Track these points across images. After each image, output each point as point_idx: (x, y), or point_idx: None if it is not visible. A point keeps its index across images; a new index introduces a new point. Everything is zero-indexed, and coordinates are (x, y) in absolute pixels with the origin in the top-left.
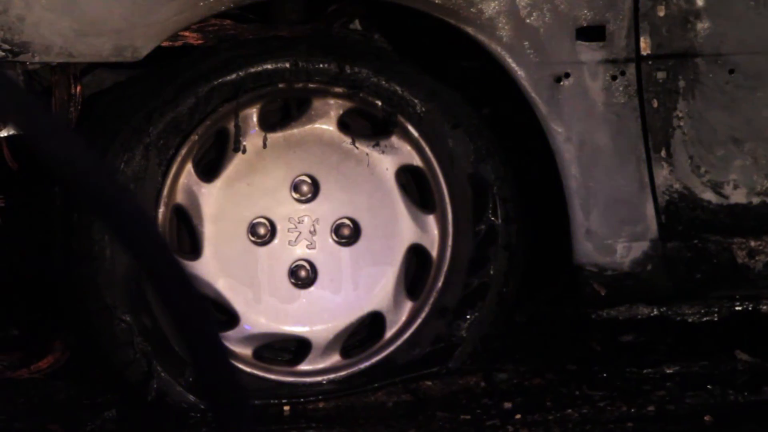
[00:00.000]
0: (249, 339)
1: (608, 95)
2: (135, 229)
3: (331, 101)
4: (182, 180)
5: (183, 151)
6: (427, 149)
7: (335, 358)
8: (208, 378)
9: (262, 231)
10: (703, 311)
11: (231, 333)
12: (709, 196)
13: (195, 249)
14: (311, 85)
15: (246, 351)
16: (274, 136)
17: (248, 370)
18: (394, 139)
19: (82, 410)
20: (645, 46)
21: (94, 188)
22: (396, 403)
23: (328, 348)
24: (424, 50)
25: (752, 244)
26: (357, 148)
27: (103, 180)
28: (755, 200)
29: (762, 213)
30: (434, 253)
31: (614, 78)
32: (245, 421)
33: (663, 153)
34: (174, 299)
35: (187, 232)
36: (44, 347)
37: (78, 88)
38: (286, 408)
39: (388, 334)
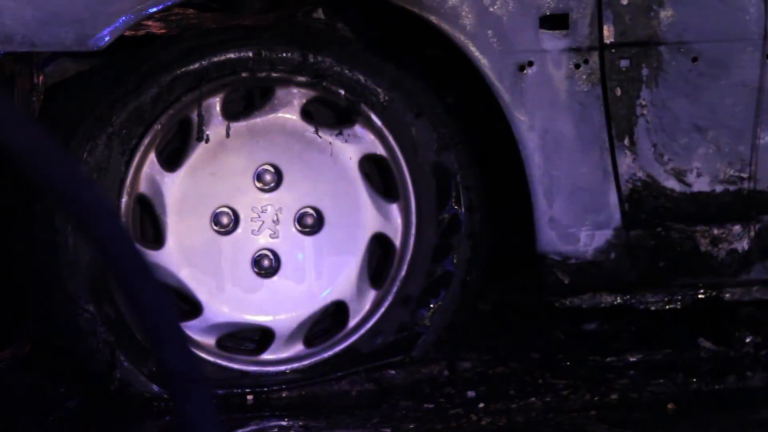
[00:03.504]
0: (212, 328)
1: (571, 84)
2: (97, 219)
3: (294, 90)
4: (145, 169)
5: (146, 141)
6: (391, 138)
7: (299, 348)
8: (170, 367)
9: (225, 220)
10: (666, 299)
11: (194, 322)
12: (672, 184)
13: (158, 238)
14: (274, 74)
15: (209, 340)
16: (237, 126)
17: (211, 359)
18: (358, 128)
19: (45, 400)
20: (608, 34)
21: (56, 178)
22: (359, 392)
23: (291, 337)
24: (388, 39)
25: (715, 232)
26: (320, 137)
27: (64, 170)
28: (718, 188)
29: (725, 201)
30: (397, 241)
31: (577, 66)
32: (207, 410)
33: (626, 141)
34: (135, 289)
35: (150, 222)
36: (6, 337)
37: (41, 78)
38: (250, 397)
39: (352, 323)
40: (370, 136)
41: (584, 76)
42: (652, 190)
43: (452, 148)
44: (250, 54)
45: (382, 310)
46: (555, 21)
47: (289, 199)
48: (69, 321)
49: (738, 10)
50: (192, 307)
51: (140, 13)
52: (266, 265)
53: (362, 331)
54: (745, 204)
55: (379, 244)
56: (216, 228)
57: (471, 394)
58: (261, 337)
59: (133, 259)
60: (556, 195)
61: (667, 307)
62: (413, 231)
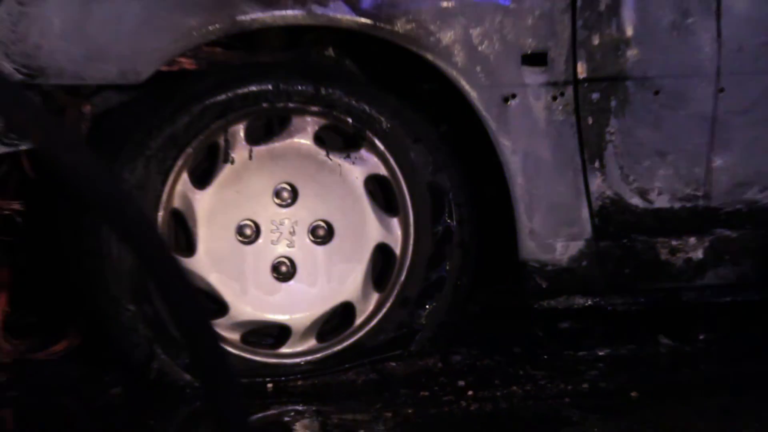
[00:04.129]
0: (237, 325)
1: (549, 113)
2: (138, 230)
3: (308, 119)
4: (179, 187)
5: (179, 162)
6: (392, 160)
7: (312, 342)
8: (201, 359)
9: (248, 232)
10: (630, 301)
11: (222, 320)
12: (636, 201)
13: (190, 248)
14: (291, 105)
15: (234, 336)
16: (258, 149)
17: (236, 352)
18: (363, 152)
19: (93, 387)
20: (581, 70)
21: (102, 195)
22: (365, 381)
23: (305, 333)
24: (389, 73)
25: (673, 243)
26: (330, 159)
27: (109, 188)
28: (676, 205)
29: (682, 216)
30: (398, 251)
31: (554, 98)
32: (233, 396)
33: (596, 164)
34: (171, 291)
35: (183, 233)
36: (59, 333)
37: (88, 108)
38: (270, 385)
39: (358, 321)
40: (374, 159)
41: (560, 107)
42: (619, 206)
43: (445, 170)
44: (270, 87)
45: (384, 310)
46: (535, 59)
47: (304, 213)
48: (113, 319)
49: (695, 50)
50: (219, 307)
51: (174, 51)
52: (284, 271)
53: (367, 328)
54: (700, 219)
55: (382, 252)
56: (240, 238)
57: (461, 383)
58: (279, 333)
59: (170, 264)
60: (535, 210)
61: (632, 308)
62: (411, 242)
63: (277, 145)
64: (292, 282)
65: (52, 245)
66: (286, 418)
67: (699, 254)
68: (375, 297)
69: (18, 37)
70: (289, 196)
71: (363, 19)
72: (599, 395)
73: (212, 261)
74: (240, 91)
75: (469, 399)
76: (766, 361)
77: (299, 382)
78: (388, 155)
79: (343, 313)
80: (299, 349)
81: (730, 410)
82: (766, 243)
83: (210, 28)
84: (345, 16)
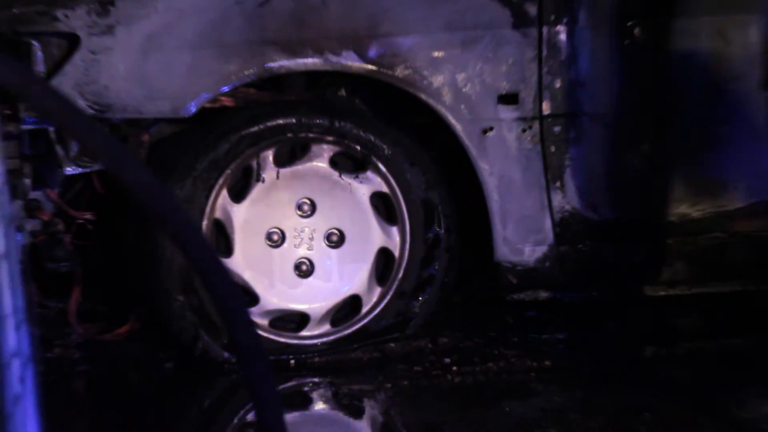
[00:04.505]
0: (266, 313)
1: (519, 143)
2: (187, 236)
3: (325, 146)
4: (219, 201)
5: (220, 181)
6: (392, 180)
7: (326, 327)
8: (238, 340)
9: (275, 237)
10: (584, 295)
11: (254, 309)
12: (589, 214)
13: (228, 250)
14: (310, 135)
15: (264, 322)
16: (284, 171)
17: (265, 335)
18: (369, 173)
19: (149, 363)
20: (546, 108)
21: (159, 207)
22: (369, 359)
23: (321, 320)
24: (390, 109)
25: (619, 248)
26: (342, 179)
27: (164, 201)
28: (621, 217)
29: (623, 226)
30: (396, 253)
31: (524, 131)
32: (263, 370)
33: (557, 184)
34: (213, 284)
35: (223, 238)
36: (122, 319)
37: (146, 137)
38: (292, 362)
39: (364, 310)
40: (378, 179)
41: (528, 138)
42: (575, 218)
43: (435, 188)
44: (293, 121)
45: (385, 301)
46: (508, 99)
47: (321, 222)
48: (166, 307)
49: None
50: (252, 298)
51: (216, 91)
52: (304, 269)
53: (371, 316)
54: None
55: (383, 255)
56: (269, 243)
57: (447, 360)
58: (300, 319)
59: (212, 263)
60: (508, 221)
61: (585, 300)
62: (407, 246)
63: (299, 167)
64: (311, 278)
65: (117, 248)
66: (305, 388)
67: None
68: (378, 290)
69: (90, 80)
70: (309, 208)
71: (369, 66)
72: (559, 371)
73: (246, 261)
74: (269, 124)
75: (454, 373)
76: (696, 341)
77: (316, 359)
78: (389, 176)
79: (352, 304)
80: (316, 332)
81: (667, 381)
82: (693, 249)
83: (245, 72)
84: (354, 63)
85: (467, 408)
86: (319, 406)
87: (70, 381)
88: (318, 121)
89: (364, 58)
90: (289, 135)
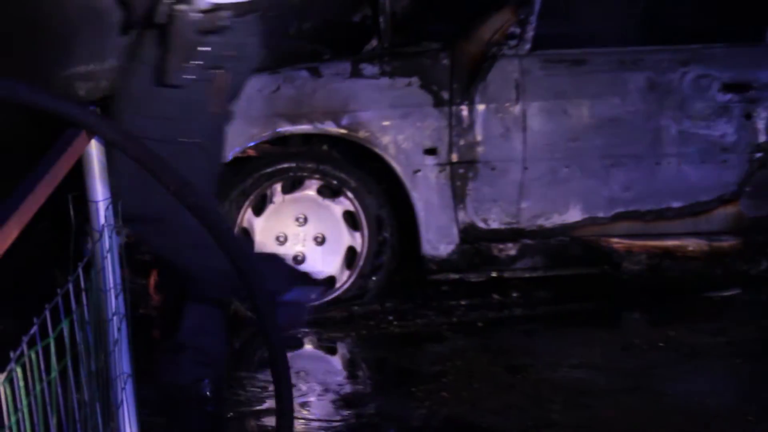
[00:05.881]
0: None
1: (437, 180)
2: (225, 236)
3: (313, 181)
4: (246, 216)
5: (246, 204)
6: (357, 203)
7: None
8: (257, 304)
9: (281, 239)
10: (479, 276)
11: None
12: (481, 224)
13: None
14: (304, 174)
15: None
16: (288, 196)
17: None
18: (342, 199)
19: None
20: (454, 157)
21: (209, 219)
22: (341, 317)
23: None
24: (356, 157)
25: (500, 246)
26: (324, 202)
27: (213, 216)
28: (502, 227)
29: (504, 232)
30: (359, 249)
31: (440, 171)
32: (273, 324)
33: (461, 206)
34: (242, 268)
35: (248, 240)
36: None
37: None
38: None
39: (337, 285)
40: (347, 202)
41: (443, 176)
42: (473, 227)
43: (384, 208)
44: (294, 165)
45: (351, 280)
46: (430, 151)
47: (310, 229)
48: None
49: (513, 147)
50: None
51: (244, 146)
52: (299, 259)
53: (342, 289)
54: (514, 234)
55: (350, 250)
56: (277, 243)
57: (390, 317)
58: None
59: (242, 254)
60: (429, 229)
61: (479, 280)
62: (366, 245)
63: (297, 194)
64: (303, 265)
65: None
66: (299, 335)
67: (513, 252)
68: (346, 273)
69: None
70: (303, 220)
71: (342, 130)
72: (462, 325)
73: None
74: (278, 167)
75: (395, 326)
76: (550, 305)
77: (308, 318)
78: (355, 200)
79: (329, 281)
80: None
81: (536, 333)
82: (547, 247)
83: (264, 134)
84: (333, 128)
85: (403, 348)
86: (308, 347)
87: (148, 331)
88: (309, 165)
89: (339, 126)
90: (291, 174)
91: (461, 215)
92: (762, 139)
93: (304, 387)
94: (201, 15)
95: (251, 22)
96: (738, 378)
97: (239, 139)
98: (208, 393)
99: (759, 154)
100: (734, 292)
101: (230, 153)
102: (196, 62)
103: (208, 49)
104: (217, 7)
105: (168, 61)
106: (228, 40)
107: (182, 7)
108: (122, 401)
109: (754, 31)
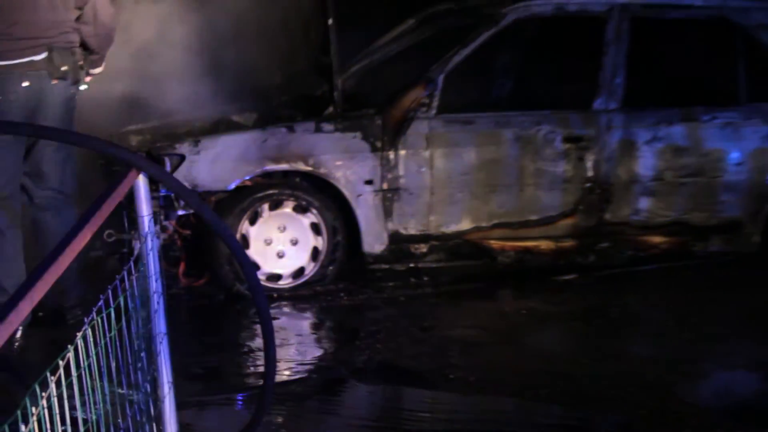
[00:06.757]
0: (262, 274)
1: (373, 201)
2: (229, 239)
3: (290, 202)
4: (244, 226)
5: (244, 217)
6: (320, 217)
7: (290, 280)
8: (252, 285)
9: (268, 242)
10: (402, 267)
11: (259, 272)
12: (403, 231)
13: (247, 247)
14: (283, 198)
15: (263, 277)
16: (272, 213)
17: (264, 284)
18: (309, 214)
19: (209, 297)
20: (385, 186)
21: (218, 227)
22: (308, 294)
23: (287, 277)
24: (319, 186)
25: (415, 245)
26: (297, 216)
27: (221, 225)
28: (417, 233)
29: (418, 237)
30: (321, 248)
31: (375, 196)
32: (263, 299)
33: (390, 218)
34: (241, 260)
35: (245, 243)
36: (201, 275)
37: (212, 198)
38: (275, 295)
39: (306, 272)
40: (313, 217)
41: (378, 199)
42: (397, 233)
43: (337, 220)
44: (276, 191)
45: (315, 269)
46: (369, 182)
47: (288, 236)
48: (221, 269)
49: (423, 180)
50: (258, 267)
51: (243, 179)
52: (281, 255)
53: (309, 275)
54: (425, 237)
55: (315, 249)
56: (265, 244)
57: (342, 294)
58: (278, 277)
59: (241, 251)
60: (368, 235)
61: (403, 269)
62: (325, 245)
63: (279, 211)
64: (283, 259)
65: (201, 242)
66: (280, 308)
67: (424, 250)
68: (312, 264)
69: (190, 174)
70: (283, 229)
71: (310, 168)
72: (390, 299)
73: (255, 251)
74: (266, 193)
75: (345, 300)
76: (450, 285)
77: (285, 295)
78: (318, 215)
79: (300, 270)
80: (285, 283)
81: (440, 305)
82: (448, 246)
83: (257, 171)
84: (303, 166)
85: (350, 315)
86: (285, 315)
87: (179, 305)
88: (287, 191)
89: (307, 164)
90: (274, 197)
91: (389, 225)
92: (590, 174)
93: (282, 339)
94: None
95: None
96: (575, 334)
97: (239, 174)
98: None
99: (588, 184)
100: (572, 277)
101: (233, 183)
102: None
103: None
104: None
105: None
106: None
107: None
108: (160, 352)
109: (584, 101)
